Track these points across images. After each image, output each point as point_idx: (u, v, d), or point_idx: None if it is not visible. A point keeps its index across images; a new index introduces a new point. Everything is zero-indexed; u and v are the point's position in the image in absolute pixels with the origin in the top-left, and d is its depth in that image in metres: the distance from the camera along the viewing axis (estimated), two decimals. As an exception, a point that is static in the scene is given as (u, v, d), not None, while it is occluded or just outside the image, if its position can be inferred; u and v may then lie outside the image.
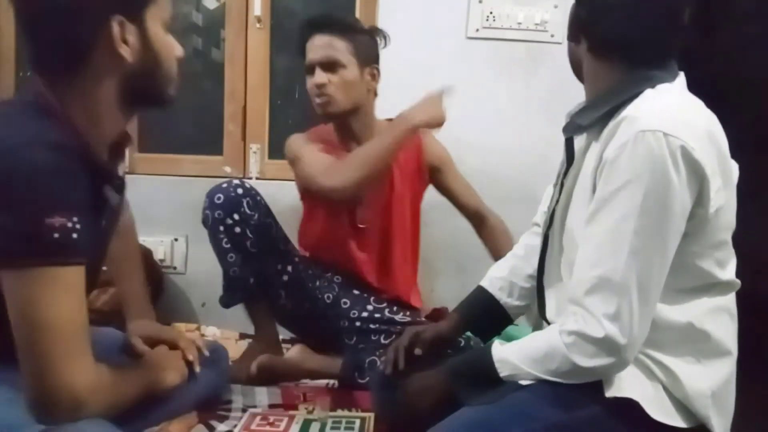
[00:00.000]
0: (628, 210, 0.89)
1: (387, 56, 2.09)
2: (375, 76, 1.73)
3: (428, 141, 1.82)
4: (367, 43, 1.71)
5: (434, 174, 1.84)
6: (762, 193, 2.24)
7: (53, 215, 0.85)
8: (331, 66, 1.66)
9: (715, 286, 0.99)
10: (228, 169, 2.20)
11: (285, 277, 1.73)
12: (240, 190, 1.67)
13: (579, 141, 1.06)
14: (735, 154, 0.98)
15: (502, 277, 1.28)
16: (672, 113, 0.92)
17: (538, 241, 1.22)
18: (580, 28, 1.04)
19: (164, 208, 2.10)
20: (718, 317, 0.99)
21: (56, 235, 0.85)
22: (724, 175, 0.94)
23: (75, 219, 0.87)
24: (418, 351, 1.20)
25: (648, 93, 0.96)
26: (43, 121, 0.92)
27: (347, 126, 1.74)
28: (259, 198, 1.71)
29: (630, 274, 0.89)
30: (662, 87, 0.97)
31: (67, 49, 0.93)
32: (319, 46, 1.67)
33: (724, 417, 0.99)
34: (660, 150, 0.87)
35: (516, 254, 1.30)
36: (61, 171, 0.88)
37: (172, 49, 1.01)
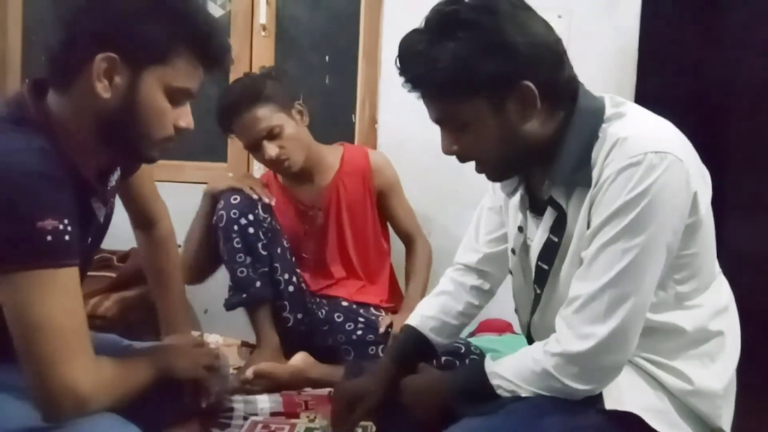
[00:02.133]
0: (621, 229, 0.89)
1: (392, 62, 2.08)
2: (302, 112, 1.77)
3: (378, 164, 1.87)
4: (277, 90, 1.73)
5: (380, 197, 1.88)
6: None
7: (45, 218, 0.86)
8: (271, 134, 1.69)
9: (714, 282, 1.01)
10: (231, 176, 2.20)
11: (291, 288, 1.74)
12: (255, 194, 1.71)
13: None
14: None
15: (433, 316, 1.24)
16: (654, 131, 0.94)
17: (469, 280, 1.24)
18: (523, 72, 0.92)
19: (168, 215, 2.10)
20: (725, 314, 1.01)
21: (49, 238, 0.86)
22: (703, 175, 0.96)
23: (66, 221, 0.88)
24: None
25: (613, 117, 0.96)
26: (32, 132, 0.92)
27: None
28: (272, 203, 1.74)
29: (619, 291, 0.89)
30: (616, 110, 0.97)
31: (60, 65, 0.95)
32: (251, 124, 1.69)
33: (731, 412, 1.00)
34: (655, 170, 0.88)
35: (445, 290, 1.27)
36: (52, 176, 0.88)
37: (162, 115, 0.96)
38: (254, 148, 1.73)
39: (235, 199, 1.69)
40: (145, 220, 1.34)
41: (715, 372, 0.97)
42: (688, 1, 2.58)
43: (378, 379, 1.19)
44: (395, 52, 2.17)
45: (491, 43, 0.91)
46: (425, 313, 1.26)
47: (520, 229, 1.09)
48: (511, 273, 1.16)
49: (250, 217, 1.68)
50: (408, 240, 1.92)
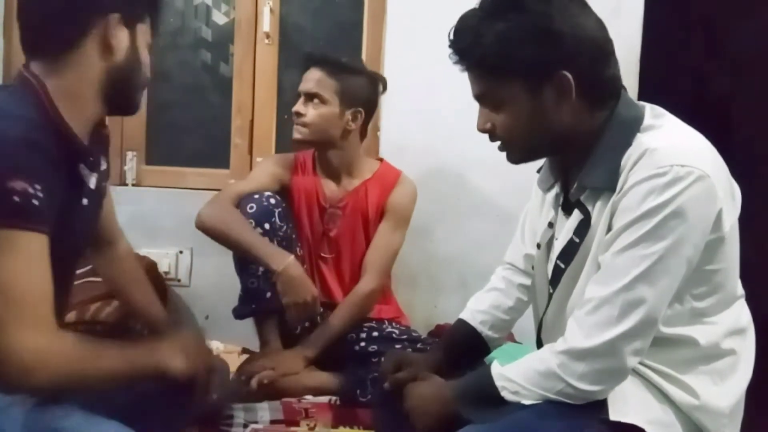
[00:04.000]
0: (640, 236, 0.89)
1: (394, 70, 2.08)
2: (357, 118, 1.77)
3: (399, 186, 1.84)
4: (358, 86, 1.75)
5: (381, 216, 1.83)
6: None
7: (14, 179, 0.86)
8: (312, 98, 1.73)
9: (735, 303, 1.00)
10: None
11: None
12: (272, 201, 1.70)
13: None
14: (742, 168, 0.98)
15: (483, 310, 1.27)
16: (685, 145, 0.94)
17: (517, 278, 1.25)
18: (562, 61, 0.95)
19: (169, 221, 2.10)
20: (742, 335, 1.00)
21: (16, 199, 0.85)
22: (732, 194, 0.97)
23: (38, 186, 0.87)
24: (386, 386, 1.18)
25: (650, 128, 0.96)
26: (21, 97, 0.95)
27: (326, 158, 1.81)
28: (287, 211, 1.73)
29: (633, 296, 0.89)
30: (654, 122, 0.97)
31: (64, 30, 0.98)
32: (310, 78, 1.76)
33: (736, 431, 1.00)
34: (679, 182, 0.88)
35: (495, 287, 1.29)
36: (28, 140, 0.89)
37: (149, 65, 1.08)
38: (296, 98, 1.79)
39: (251, 207, 1.67)
40: (105, 240, 1.30)
41: (724, 391, 0.97)
42: (690, 10, 2.58)
43: (425, 357, 1.26)
44: (397, 60, 2.19)
45: (537, 29, 0.94)
46: (476, 308, 1.28)
47: (550, 225, 1.10)
48: (533, 269, 1.16)
49: (266, 226, 1.66)
50: (364, 272, 1.79)
